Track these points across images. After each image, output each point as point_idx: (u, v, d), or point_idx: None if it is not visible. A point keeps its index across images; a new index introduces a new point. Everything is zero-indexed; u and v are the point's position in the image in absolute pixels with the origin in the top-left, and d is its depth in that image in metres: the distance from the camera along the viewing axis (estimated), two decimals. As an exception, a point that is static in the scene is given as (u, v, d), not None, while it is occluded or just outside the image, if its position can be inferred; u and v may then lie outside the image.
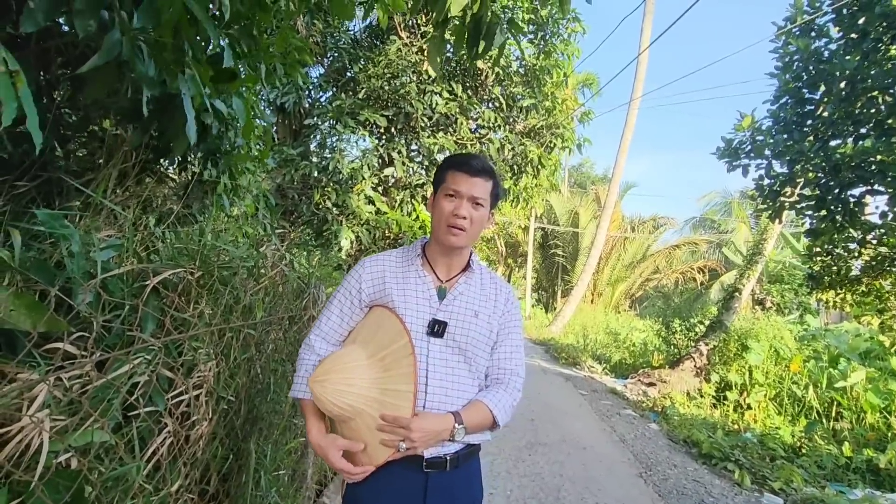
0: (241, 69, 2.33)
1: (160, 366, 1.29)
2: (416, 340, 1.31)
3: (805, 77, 5.10)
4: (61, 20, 1.62)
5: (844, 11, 4.90)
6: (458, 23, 1.97)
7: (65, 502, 0.96)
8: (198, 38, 1.72)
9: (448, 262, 1.43)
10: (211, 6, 1.82)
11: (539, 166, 8.08)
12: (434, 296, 1.39)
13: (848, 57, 4.65)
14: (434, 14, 1.92)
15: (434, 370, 1.32)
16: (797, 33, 5.31)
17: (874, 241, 5.42)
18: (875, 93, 4.59)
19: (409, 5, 2.53)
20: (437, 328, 1.34)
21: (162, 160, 2.27)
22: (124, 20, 1.33)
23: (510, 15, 5.37)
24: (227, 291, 1.69)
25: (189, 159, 2.41)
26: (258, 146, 2.98)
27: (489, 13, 1.85)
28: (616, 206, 20.56)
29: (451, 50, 6.90)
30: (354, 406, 1.26)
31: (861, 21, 4.73)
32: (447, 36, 2.11)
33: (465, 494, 1.38)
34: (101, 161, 1.94)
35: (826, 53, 5.03)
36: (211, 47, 1.94)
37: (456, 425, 1.28)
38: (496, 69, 7.34)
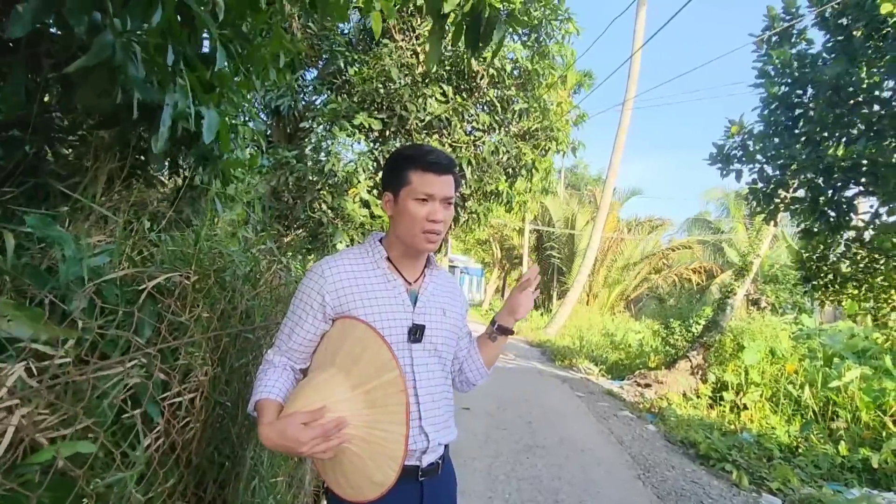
0: (238, 74, 2.30)
1: (156, 370, 1.27)
2: (398, 350, 1.25)
3: (791, 82, 5.12)
4: (50, 21, 1.60)
5: (828, 14, 4.92)
6: (456, 16, 1.95)
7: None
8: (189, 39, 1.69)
9: (414, 263, 1.38)
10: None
11: (533, 169, 8.09)
12: (407, 300, 1.33)
13: (831, 61, 4.67)
14: (429, 10, 1.91)
15: (420, 379, 1.30)
16: (776, 41, 5.33)
17: (859, 242, 5.48)
18: (861, 97, 4.61)
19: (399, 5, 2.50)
20: (417, 333, 1.30)
21: (152, 164, 2.23)
22: (115, 24, 1.30)
23: (509, 7, 5.35)
24: (224, 296, 1.67)
25: (180, 164, 2.37)
26: (253, 150, 2.94)
27: (487, 7, 1.84)
28: (613, 209, 20.63)
29: (447, 50, 6.89)
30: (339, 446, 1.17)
31: (845, 23, 4.76)
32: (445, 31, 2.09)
33: (446, 491, 1.40)
34: (88, 165, 1.91)
35: (809, 58, 5.05)
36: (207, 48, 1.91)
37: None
38: (490, 71, 7.34)
